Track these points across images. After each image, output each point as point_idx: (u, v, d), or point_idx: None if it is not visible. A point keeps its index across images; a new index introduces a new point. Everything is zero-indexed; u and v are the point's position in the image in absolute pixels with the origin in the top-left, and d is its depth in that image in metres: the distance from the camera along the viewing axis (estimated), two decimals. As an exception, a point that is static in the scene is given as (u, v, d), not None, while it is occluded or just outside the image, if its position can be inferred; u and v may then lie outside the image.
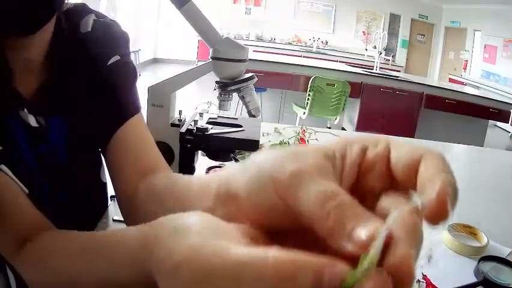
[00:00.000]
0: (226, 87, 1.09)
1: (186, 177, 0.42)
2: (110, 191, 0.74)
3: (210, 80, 1.30)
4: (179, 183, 0.41)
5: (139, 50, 7.22)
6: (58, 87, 0.53)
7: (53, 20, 0.50)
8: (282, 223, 0.23)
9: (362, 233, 0.19)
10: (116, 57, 0.57)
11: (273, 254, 0.19)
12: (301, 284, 0.17)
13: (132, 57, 0.63)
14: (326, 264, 0.18)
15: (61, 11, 0.53)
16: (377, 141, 0.23)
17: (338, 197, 0.20)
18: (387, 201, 0.22)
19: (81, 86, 0.55)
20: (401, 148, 0.23)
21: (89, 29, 0.55)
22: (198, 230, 0.23)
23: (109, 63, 0.57)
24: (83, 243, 0.34)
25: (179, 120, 1.31)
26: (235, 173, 0.26)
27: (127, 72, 0.59)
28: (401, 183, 0.22)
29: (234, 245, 0.20)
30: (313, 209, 0.20)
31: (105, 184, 0.68)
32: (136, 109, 0.58)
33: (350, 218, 0.19)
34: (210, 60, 1.07)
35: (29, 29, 0.44)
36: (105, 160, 0.59)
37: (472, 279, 0.69)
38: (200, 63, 0.98)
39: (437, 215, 0.19)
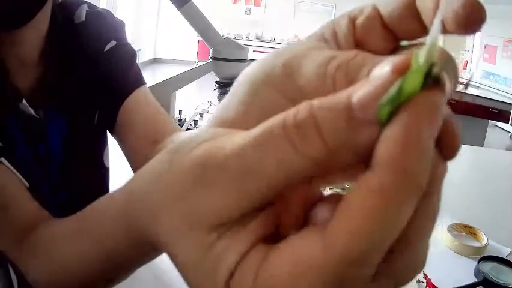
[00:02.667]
0: (226, 87, 1.09)
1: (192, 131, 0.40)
2: (111, 187, 0.74)
3: (210, 80, 1.30)
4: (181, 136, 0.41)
5: (139, 50, 7.22)
6: (56, 80, 0.53)
7: (47, 13, 0.51)
8: None
9: (383, 66, 0.15)
10: (113, 43, 0.58)
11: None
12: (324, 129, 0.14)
13: (134, 48, 0.64)
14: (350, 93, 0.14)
15: (55, 4, 0.54)
16: (362, 7, 0.21)
17: (338, 56, 0.17)
18: (405, 49, 0.19)
19: (79, 76, 0.56)
20: (387, 1, 0.20)
21: (83, 19, 0.57)
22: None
23: (106, 49, 0.58)
24: (72, 223, 0.33)
25: (179, 120, 1.31)
26: (224, 102, 0.22)
27: (125, 54, 0.60)
28: (407, 35, 0.20)
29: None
30: (315, 79, 0.17)
31: (107, 171, 0.68)
32: (138, 82, 0.59)
33: (362, 65, 0.16)
34: (210, 60, 1.07)
35: (18, 22, 0.44)
36: (115, 138, 0.60)
37: (472, 279, 0.69)
38: (200, 63, 0.99)
39: (472, 14, 0.16)
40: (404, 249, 0.14)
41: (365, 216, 0.12)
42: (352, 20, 0.20)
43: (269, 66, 0.19)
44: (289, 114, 0.15)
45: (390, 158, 0.13)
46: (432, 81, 0.14)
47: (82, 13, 0.57)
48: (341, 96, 0.14)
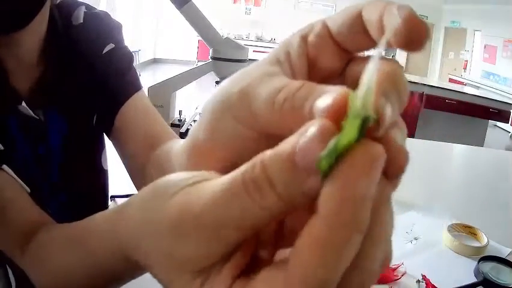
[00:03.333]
0: (226, 87, 1.10)
1: (181, 141, 0.41)
2: (111, 190, 0.74)
3: (210, 80, 1.30)
4: (174, 149, 0.42)
5: (139, 50, 7.22)
6: (55, 81, 0.54)
7: (45, 15, 0.51)
8: (255, 155, 0.20)
9: (325, 99, 0.15)
10: (111, 46, 0.58)
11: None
12: (274, 181, 0.15)
13: (131, 52, 0.64)
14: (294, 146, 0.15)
15: (53, 5, 0.54)
16: (312, 24, 0.21)
17: (287, 86, 0.18)
18: (354, 68, 0.20)
19: (78, 78, 0.56)
20: (336, 15, 0.20)
21: (81, 21, 0.56)
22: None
23: (104, 51, 0.58)
24: (68, 234, 0.34)
25: (179, 120, 1.31)
26: (195, 126, 0.24)
27: (123, 57, 0.60)
28: (357, 49, 0.20)
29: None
30: (265, 112, 0.18)
31: (106, 173, 0.68)
32: (136, 87, 0.59)
33: (305, 98, 0.17)
34: (210, 60, 1.07)
35: (15, 25, 0.44)
36: (112, 142, 0.60)
37: (472, 279, 0.69)
38: (200, 63, 0.98)
39: (413, 31, 0.16)
40: (355, 273, 0.15)
41: (310, 262, 0.14)
42: (304, 39, 0.21)
43: (226, 95, 0.20)
44: (247, 168, 0.16)
45: (328, 211, 0.14)
46: (371, 125, 0.14)
47: (80, 15, 0.57)
48: (286, 146, 0.15)
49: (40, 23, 0.50)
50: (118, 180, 0.96)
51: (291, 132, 0.16)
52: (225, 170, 0.20)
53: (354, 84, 0.16)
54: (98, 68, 0.57)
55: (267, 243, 0.19)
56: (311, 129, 0.14)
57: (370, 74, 0.15)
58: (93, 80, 0.57)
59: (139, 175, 0.53)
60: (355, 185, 0.13)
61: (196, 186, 0.18)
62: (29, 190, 0.44)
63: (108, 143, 0.63)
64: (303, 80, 0.20)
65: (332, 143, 0.14)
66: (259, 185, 0.15)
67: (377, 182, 0.14)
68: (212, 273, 0.17)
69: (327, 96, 0.15)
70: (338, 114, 0.14)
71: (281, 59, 0.21)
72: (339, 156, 0.14)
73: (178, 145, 0.34)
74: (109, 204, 0.79)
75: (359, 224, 0.14)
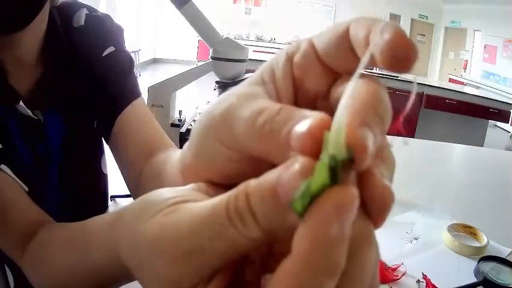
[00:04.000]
0: (226, 87, 1.09)
1: (178, 152, 0.41)
2: (111, 191, 0.74)
3: (210, 80, 1.30)
4: (172, 158, 0.42)
5: (139, 50, 7.22)
6: (54, 82, 0.53)
7: (45, 16, 0.51)
8: (239, 175, 0.21)
9: (302, 126, 0.15)
10: (111, 49, 0.58)
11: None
12: (254, 209, 0.15)
13: (132, 56, 0.64)
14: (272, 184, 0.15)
15: (54, 6, 0.54)
16: (299, 43, 0.20)
17: (266, 110, 0.17)
18: (337, 89, 0.19)
19: (77, 79, 0.56)
20: (323, 33, 0.19)
21: (82, 23, 0.56)
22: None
23: (104, 54, 0.58)
24: (68, 234, 0.34)
25: (179, 120, 1.31)
26: (185, 148, 0.24)
27: (123, 61, 0.60)
28: (343, 69, 0.19)
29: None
30: (246, 135, 0.18)
31: (106, 177, 0.68)
32: (136, 94, 0.59)
33: (284, 122, 0.16)
34: (210, 60, 1.07)
35: (15, 25, 0.44)
36: (110, 147, 0.60)
37: (472, 279, 0.69)
38: (200, 63, 0.98)
39: (399, 50, 0.15)
40: None
41: None
42: (289, 58, 0.20)
43: (209, 117, 0.20)
44: (231, 198, 0.16)
45: (298, 253, 0.13)
46: (346, 162, 0.14)
47: (82, 17, 0.57)
48: (270, 177, 0.15)
49: (39, 24, 0.50)
50: (118, 180, 0.96)
51: (270, 155, 0.17)
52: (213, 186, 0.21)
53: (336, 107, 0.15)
54: (97, 70, 0.57)
55: (255, 263, 0.19)
56: (292, 165, 0.14)
57: (343, 106, 0.15)
58: (93, 82, 0.57)
59: (136, 183, 0.52)
60: (324, 228, 0.13)
61: (175, 209, 0.18)
62: (27, 189, 0.44)
63: (107, 148, 0.63)
64: (288, 101, 0.20)
65: (303, 184, 0.14)
66: (242, 214, 0.16)
67: (350, 224, 0.13)
68: None
69: (303, 123, 0.15)
70: (313, 147, 0.14)
71: (266, 79, 0.21)
72: (314, 197, 0.13)
73: (175, 156, 0.34)
74: (109, 204, 0.79)
75: (330, 268, 0.13)
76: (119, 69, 0.59)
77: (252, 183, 0.16)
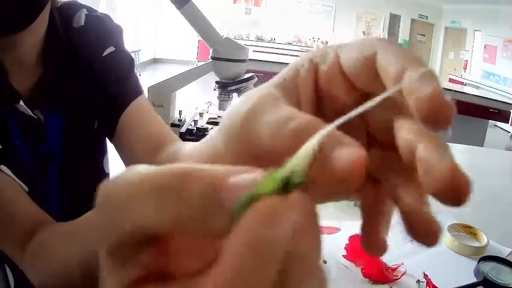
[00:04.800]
0: (226, 87, 1.09)
1: (189, 145, 0.40)
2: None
3: (210, 80, 1.30)
4: (181, 152, 0.42)
5: (139, 50, 7.22)
6: (54, 82, 0.54)
7: (46, 17, 0.51)
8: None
9: (346, 155, 0.15)
10: (111, 49, 0.59)
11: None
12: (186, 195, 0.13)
13: (132, 56, 0.64)
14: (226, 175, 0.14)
15: (55, 7, 0.54)
16: (325, 54, 0.20)
17: (293, 120, 0.17)
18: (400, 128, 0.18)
19: (77, 79, 0.56)
20: (349, 49, 0.19)
21: (82, 23, 0.57)
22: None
23: (104, 54, 0.58)
24: (66, 230, 0.34)
25: (179, 120, 1.31)
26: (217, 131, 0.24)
27: (124, 61, 0.60)
28: (366, 89, 0.19)
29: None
30: (272, 142, 0.18)
31: (109, 176, 0.68)
32: (138, 92, 0.59)
33: (311, 133, 0.16)
34: (210, 60, 1.07)
35: (17, 26, 0.44)
36: (115, 147, 0.60)
37: (472, 279, 0.69)
38: (200, 63, 0.99)
39: (436, 112, 0.15)
40: None
41: None
42: (315, 65, 0.21)
43: (233, 121, 0.20)
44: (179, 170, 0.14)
45: (222, 260, 0.12)
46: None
47: (82, 17, 0.57)
48: (220, 172, 0.14)
49: (40, 25, 0.50)
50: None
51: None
52: None
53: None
54: (98, 70, 0.57)
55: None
56: (243, 177, 0.14)
57: (320, 134, 0.15)
58: (93, 82, 0.57)
59: None
60: (253, 236, 0.12)
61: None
62: (27, 189, 0.45)
63: (111, 147, 0.63)
64: (309, 107, 0.21)
65: (242, 197, 0.13)
66: (183, 188, 0.14)
67: (284, 235, 0.12)
68: (122, 259, 0.15)
69: (346, 153, 0.15)
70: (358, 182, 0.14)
71: (287, 84, 0.21)
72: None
73: (188, 147, 0.34)
74: None
75: (255, 281, 0.12)
76: (120, 68, 0.59)
77: (206, 167, 0.14)
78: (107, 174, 0.68)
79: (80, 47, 0.56)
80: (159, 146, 0.52)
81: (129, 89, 0.59)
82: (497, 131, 6.42)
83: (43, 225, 0.40)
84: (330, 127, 0.15)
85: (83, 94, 0.57)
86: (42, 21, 0.50)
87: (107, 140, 0.63)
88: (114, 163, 0.67)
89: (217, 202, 0.13)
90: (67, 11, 0.56)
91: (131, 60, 0.62)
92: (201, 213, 0.13)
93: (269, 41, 8.59)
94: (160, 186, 0.14)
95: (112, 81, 0.58)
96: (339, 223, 0.79)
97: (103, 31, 0.59)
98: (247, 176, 0.14)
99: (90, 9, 0.59)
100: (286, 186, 0.13)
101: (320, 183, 0.15)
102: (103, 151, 0.65)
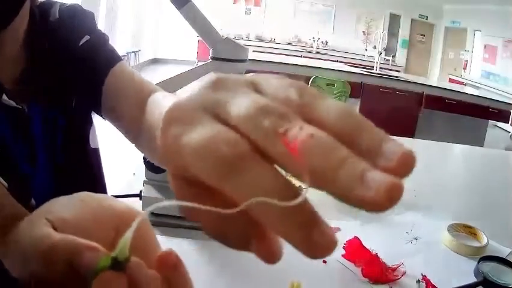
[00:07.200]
0: (226, 87, 1.09)
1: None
2: (110, 191, 0.74)
3: (210, 80, 1.30)
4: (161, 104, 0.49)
5: (139, 50, 7.21)
6: (37, 76, 0.55)
7: (26, 14, 0.53)
8: None
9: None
10: (86, 37, 0.61)
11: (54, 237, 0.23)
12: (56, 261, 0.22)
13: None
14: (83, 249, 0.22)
15: (35, 5, 0.57)
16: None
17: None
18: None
19: (58, 70, 0.59)
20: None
21: (57, 16, 0.60)
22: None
23: (81, 43, 0.61)
24: None
25: (179, 120, 1.30)
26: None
27: (98, 39, 0.63)
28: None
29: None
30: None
31: (97, 151, 0.69)
32: (116, 59, 0.62)
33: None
34: (210, 60, 1.07)
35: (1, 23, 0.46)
36: (106, 116, 0.63)
37: (472, 279, 0.69)
38: (200, 63, 0.98)
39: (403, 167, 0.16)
40: None
41: None
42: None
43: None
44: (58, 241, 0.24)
45: None
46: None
47: (56, 11, 0.60)
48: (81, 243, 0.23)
49: (21, 23, 0.52)
50: (119, 180, 0.96)
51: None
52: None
53: None
54: (77, 59, 0.60)
55: None
56: (89, 253, 0.22)
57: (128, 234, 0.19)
58: (73, 70, 0.60)
59: (140, 137, 0.56)
60: None
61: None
62: (6, 185, 0.45)
63: (98, 124, 0.66)
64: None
65: (88, 272, 0.21)
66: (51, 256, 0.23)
67: None
68: None
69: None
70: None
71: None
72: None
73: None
74: (106, 184, 0.78)
75: None
76: (96, 47, 0.62)
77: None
78: (96, 150, 0.69)
79: (58, 39, 0.58)
80: (145, 101, 0.55)
81: (107, 58, 0.61)
82: (497, 131, 6.41)
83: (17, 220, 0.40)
84: (143, 214, 0.19)
85: (64, 83, 0.59)
86: (22, 19, 0.52)
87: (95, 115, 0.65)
88: (109, 161, 0.67)
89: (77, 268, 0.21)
90: (43, 7, 0.59)
91: (104, 36, 0.64)
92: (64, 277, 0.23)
93: (269, 41, 8.59)
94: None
95: (90, 62, 0.60)
96: (339, 223, 0.79)
97: (76, 20, 0.61)
98: (92, 254, 0.22)
99: (61, 4, 0.62)
100: (117, 261, 0.20)
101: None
102: (89, 126, 0.66)
